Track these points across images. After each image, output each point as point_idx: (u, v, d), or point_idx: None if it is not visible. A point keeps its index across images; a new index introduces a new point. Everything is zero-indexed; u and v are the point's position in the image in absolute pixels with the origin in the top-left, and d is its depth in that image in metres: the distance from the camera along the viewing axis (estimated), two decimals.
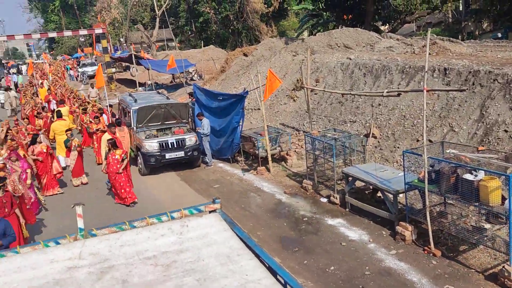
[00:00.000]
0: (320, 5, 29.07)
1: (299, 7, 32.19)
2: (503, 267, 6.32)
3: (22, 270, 2.89)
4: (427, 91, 7.00)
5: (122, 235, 3.21)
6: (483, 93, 10.34)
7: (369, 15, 26.59)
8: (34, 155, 11.24)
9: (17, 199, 8.55)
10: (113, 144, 10.69)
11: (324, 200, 10.06)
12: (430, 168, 7.27)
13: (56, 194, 11.70)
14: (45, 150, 11.35)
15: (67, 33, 39.67)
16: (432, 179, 7.22)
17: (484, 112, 9.97)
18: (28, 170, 10.20)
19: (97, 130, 13.99)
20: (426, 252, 7.41)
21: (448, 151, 7.32)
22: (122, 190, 10.61)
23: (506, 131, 9.20)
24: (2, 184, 7.97)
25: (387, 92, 8.65)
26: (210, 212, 3.63)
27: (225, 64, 24.07)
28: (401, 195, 8.19)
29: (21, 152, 10.77)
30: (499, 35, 26.10)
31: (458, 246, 7.44)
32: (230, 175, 12.53)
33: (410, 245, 7.71)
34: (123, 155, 10.71)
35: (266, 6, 46.15)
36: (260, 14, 46.81)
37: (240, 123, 12.65)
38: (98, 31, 33.38)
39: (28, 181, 9.95)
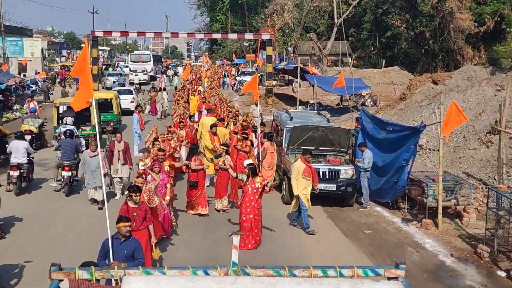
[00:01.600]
0: None
1: None
2: None
3: None
4: None
5: (278, 282, 3.30)
6: None
7: None
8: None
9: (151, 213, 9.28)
10: (253, 171, 11.04)
11: (502, 274, 9.92)
12: None
13: (200, 214, 12.93)
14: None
15: (232, 35, 44.57)
16: None
17: None
18: (168, 185, 11.19)
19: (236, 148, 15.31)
20: None
21: None
22: (250, 236, 10.80)
23: None
24: (136, 194, 8.60)
25: None
26: (389, 278, 3.60)
27: (407, 91, 24.48)
28: None
29: (166, 164, 11.80)
30: None
31: None
32: (386, 222, 12.99)
33: None
34: (264, 183, 11.04)
35: (476, 24, 44.83)
36: (466, 34, 45.73)
37: (410, 162, 13.05)
38: (265, 36, 36.72)
39: (167, 197, 10.96)
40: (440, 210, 12.25)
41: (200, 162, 12.89)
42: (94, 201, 13.53)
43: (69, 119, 19.74)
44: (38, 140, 20.37)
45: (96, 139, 12.26)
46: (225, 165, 12.90)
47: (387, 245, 11.52)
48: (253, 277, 3.44)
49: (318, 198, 14.05)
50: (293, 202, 12.28)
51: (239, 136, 15.82)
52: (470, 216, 12.49)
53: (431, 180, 12.77)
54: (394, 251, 11.20)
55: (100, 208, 13.07)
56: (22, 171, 14.42)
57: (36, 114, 22.98)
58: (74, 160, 14.81)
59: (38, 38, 63.77)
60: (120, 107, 25.40)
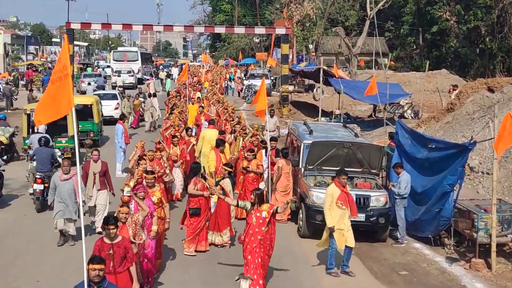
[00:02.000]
0: None
1: None
2: None
3: None
4: None
5: None
6: None
7: None
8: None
9: (135, 250, 9.31)
10: (260, 197, 10.89)
11: None
12: None
13: (202, 251, 13.14)
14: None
15: (239, 29, 45.22)
16: None
17: None
18: (155, 214, 11.23)
19: (246, 169, 15.50)
20: None
21: None
22: (255, 276, 10.61)
23: None
24: (111, 226, 8.50)
25: None
26: None
27: (456, 100, 24.69)
28: None
29: (157, 190, 11.96)
30: None
31: None
32: (427, 262, 13.19)
33: None
34: (273, 209, 10.85)
35: None
36: None
37: (456, 188, 13.27)
38: (281, 31, 37.25)
39: (154, 227, 10.96)
40: (493, 248, 12.41)
41: (203, 185, 12.91)
42: (62, 234, 13.37)
43: (42, 127, 20.11)
44: (8, 152, 20.93)
45: (69, 158, 12.55)
46: (222, 191, 13.00)
47: None
48: None
49: None
50: (324, 236, 12.29)
51: (246, 155, 15.92)
52: None
53: (482, 211, 12.94)
54: None
55: (72, 245, 13.20)
56: None
57: (6, 122, 23.44)
58: (50, 171, 15.24)
59: None
60: (102, 114, 25.85)
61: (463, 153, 13.23)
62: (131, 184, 11.24)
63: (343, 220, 11.92)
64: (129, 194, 10.43)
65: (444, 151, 13.87)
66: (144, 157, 14.13)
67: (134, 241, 9.47)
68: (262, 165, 15.66)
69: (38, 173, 15.04)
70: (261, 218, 10.70)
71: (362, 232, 14.27)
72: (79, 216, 11.36)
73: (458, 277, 12.32)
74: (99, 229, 13.58)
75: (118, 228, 8.78)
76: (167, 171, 15.12)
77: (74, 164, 12.15)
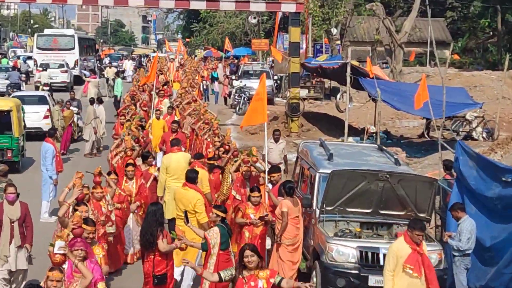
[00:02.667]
0: None
1: None
2: None
3: None
4: None
5: None
6: None
7: None
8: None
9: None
10: (258, 255, 10.74)
11: None
12: None
13: None
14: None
15: (227, 5, 45.39)
16: None
17: None
18: (100, 285, 11.23)
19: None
20: None
21: None
22: None
23: None
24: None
25: None
26: None
27: None
28: None
29: (98, 253, 12.46)
30: None
31: None
32: None
33: None
34: (273, 280, 10.62)
35: None
36: None
37: None
38: (289, 7, 37.70)
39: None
40: None
41: (169, 240, 13.10)
42: None
43: None
44: None
45: None
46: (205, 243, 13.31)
47: None
48: None
49: None
50: None
51: (251, 197, 15.66)
52: None
53: None
54: None
55: None
56: None
57: None
58: None
59: None
60: (25, 126, 26.17)
61: None
62: (65, 235, 11.03)
63: None
64: (62, 252, 10.34)
65: None
66: (84, 201, 13.94)
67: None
68: (271, 209, 15.72)
69: None
70: None
71: None
72: None
73: None
74: None
75: None
76: (112, 217, 15.14)
77: None
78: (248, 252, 10.48)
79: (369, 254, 14.58)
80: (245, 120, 18.30)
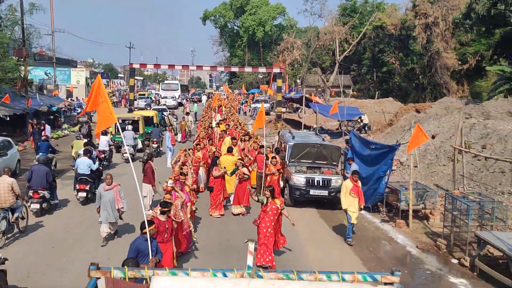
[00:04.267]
0: None
1: (493, 68, 32.13)
2: None
3: None
4: None
5: (288, 284, 3.34)
6: None
7: None
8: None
9: (175, 226, 9.20)
10: (272, 192, 10.37)
11: (455, 261, 11.13)
12: None
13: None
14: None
15: (248, 69, 46.29)
16: None
17: None
18: (189, 204, 10.92)
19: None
20: None
21: None
22: (262, 252, 9.98)
23: None
24: (167, 209, 8.54)
25: None
26: (386, 284, 3.57)
27: (394, 118, 25.73)
28: None
29: (186, 187, 11.45)
30: None
31: None
32: (368, 222, 14.20)
33: None
34: (283, 205, 10.35)
35: (460, 63, 46.15)
36: (451, 70, 47.00)
37: (387, 174, 14.28)
38: (276, 70, 38.16)
39: (188, 214, 10.61)
40: (410, 213, 13.43)
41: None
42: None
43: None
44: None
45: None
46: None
47: (367, 239, 12.71)
48: (265, 279, 3.43)
49: (313, 202, 15.36)
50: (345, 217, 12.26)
51: (271, 161, 15.01)
52: (435, 218, 13.72)
53: (404, 188, 14.00)
54: (372, 243, 12.43)
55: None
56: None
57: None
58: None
59: (82, 68, 66.14)
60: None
61: (392, 151, 14.13)
62: (170, 182, 10.71)
63: (354, 205, 12.00)
64: (171, 185, 10.27)
65: (380, 150, 14.74)
66: (186, 163, 13.25)
67: (174, 219, 9.24)
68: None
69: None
70: (275, 209, 10.17)
71: (326, 203, 15.30)
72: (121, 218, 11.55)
73: (387, 231, 13.33)
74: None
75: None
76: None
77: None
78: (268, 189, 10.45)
79: (310, 180, 14.99)
80: (255, 126, 17.83)
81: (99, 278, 3.60)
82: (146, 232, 7.35)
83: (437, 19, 45.46)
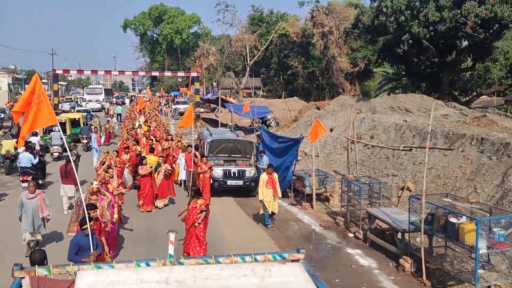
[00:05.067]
0: (399, 70, 31.01)
1: (378, 69, 34.27)
2: None
3: (114, 284, 3.10)
4: (429, 148, 8.82)
5: (207, 268, 3.32)
6: (508, 163, 11.67)
7: (444, 85, 27.95)
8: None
9: (103, 226, 8.68)
10: (197, 192, 9.83)
11: (351, 235, 11.82)
12: (428, 211, 8.95)
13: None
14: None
15: (168, 73, 45.52)
16: (429, 221, 8.88)
17: (505, 179, 11.29)
18: (115, 205, 10.21)
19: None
20: (419, 281, 8.94)
21: (444, 199, 8.97)
22: (189, 248, 9.57)
23: None
24: (94, 211, 7.85)
25: (403, 147, 10.50)
26: (293, 261, 3.64)
27: (298, 115, 26.60)
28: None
29: (110, 186, 10.77)
30: None
31: (447, 281, 8.89)
32: (278, 206, 14.56)
33: (408, 276, 9.26)
34: (203, 206, 9.56)
35: (352, 66, 48.76)
36: (345, 73, 49.47)
37: (294, 163, 14.76)
38: (194, 74, 38.01)
39: (115, 215, 9.95)
40: (314, 196, 14.05)
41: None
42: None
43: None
44: None
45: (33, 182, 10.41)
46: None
47: (278, 221, 13.04)
48: (186, 265, 3.41)
49: (230, 191, 15.51)
50: (261, 207, 12.35)
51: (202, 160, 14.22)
52: (334, 199, 14.44)
53: (308, 175, 14.58)
54: (282, 224, 12.83)
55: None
56: None
57: None
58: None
59: (4, 74, 61.24)
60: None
61: (297, 143, 14.63)
62: (95, 183, 10.09)
63: (270, 195, 12.10)
64: (96, 186, 9.68)
65: (286, 143, 15.20)
66: (111, 166, 12.63)
67: (101, 218, 8.62)
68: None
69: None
70: (195, 208, 9.53)
71: (241, 192, 15.53)
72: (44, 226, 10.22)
73: (295, 213, 13.82)
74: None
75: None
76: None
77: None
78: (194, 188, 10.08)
79: (227, 172, 15.17)
80: (182, 123, 16.75)
81: (23, 277, 3.38)
82: (86, 228, 7.02)
83: (331, 28, 47.50)
